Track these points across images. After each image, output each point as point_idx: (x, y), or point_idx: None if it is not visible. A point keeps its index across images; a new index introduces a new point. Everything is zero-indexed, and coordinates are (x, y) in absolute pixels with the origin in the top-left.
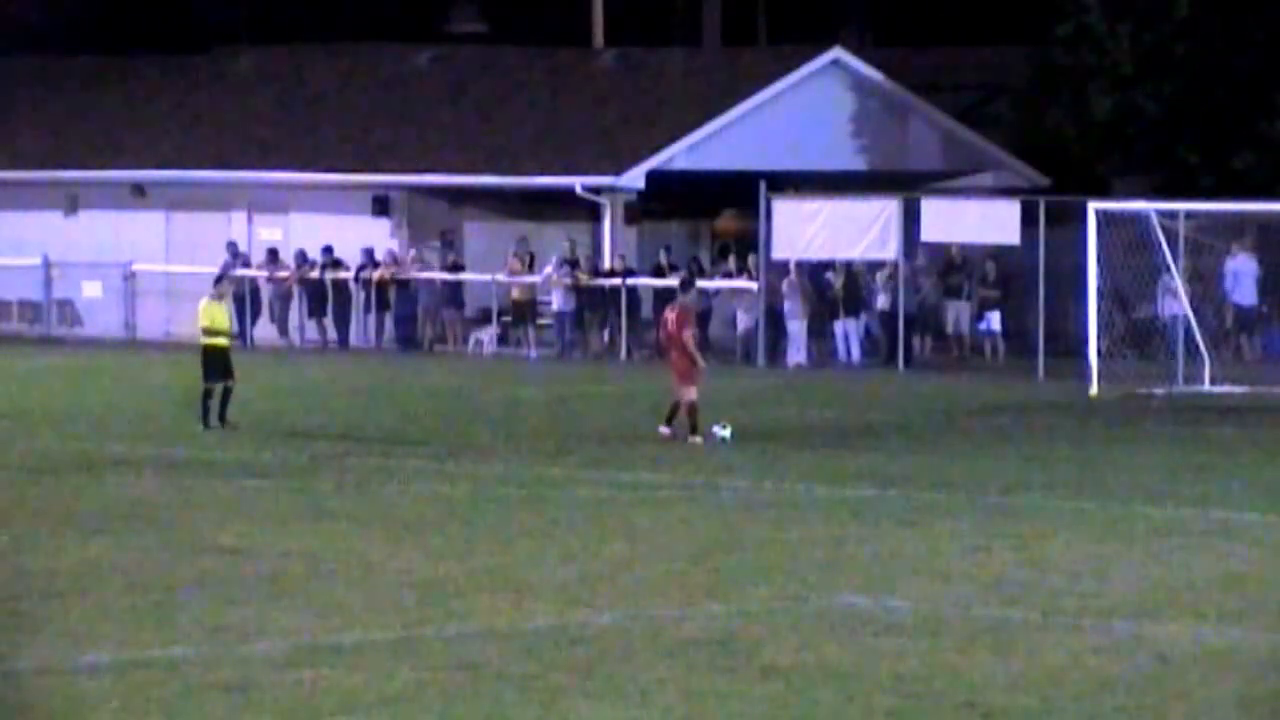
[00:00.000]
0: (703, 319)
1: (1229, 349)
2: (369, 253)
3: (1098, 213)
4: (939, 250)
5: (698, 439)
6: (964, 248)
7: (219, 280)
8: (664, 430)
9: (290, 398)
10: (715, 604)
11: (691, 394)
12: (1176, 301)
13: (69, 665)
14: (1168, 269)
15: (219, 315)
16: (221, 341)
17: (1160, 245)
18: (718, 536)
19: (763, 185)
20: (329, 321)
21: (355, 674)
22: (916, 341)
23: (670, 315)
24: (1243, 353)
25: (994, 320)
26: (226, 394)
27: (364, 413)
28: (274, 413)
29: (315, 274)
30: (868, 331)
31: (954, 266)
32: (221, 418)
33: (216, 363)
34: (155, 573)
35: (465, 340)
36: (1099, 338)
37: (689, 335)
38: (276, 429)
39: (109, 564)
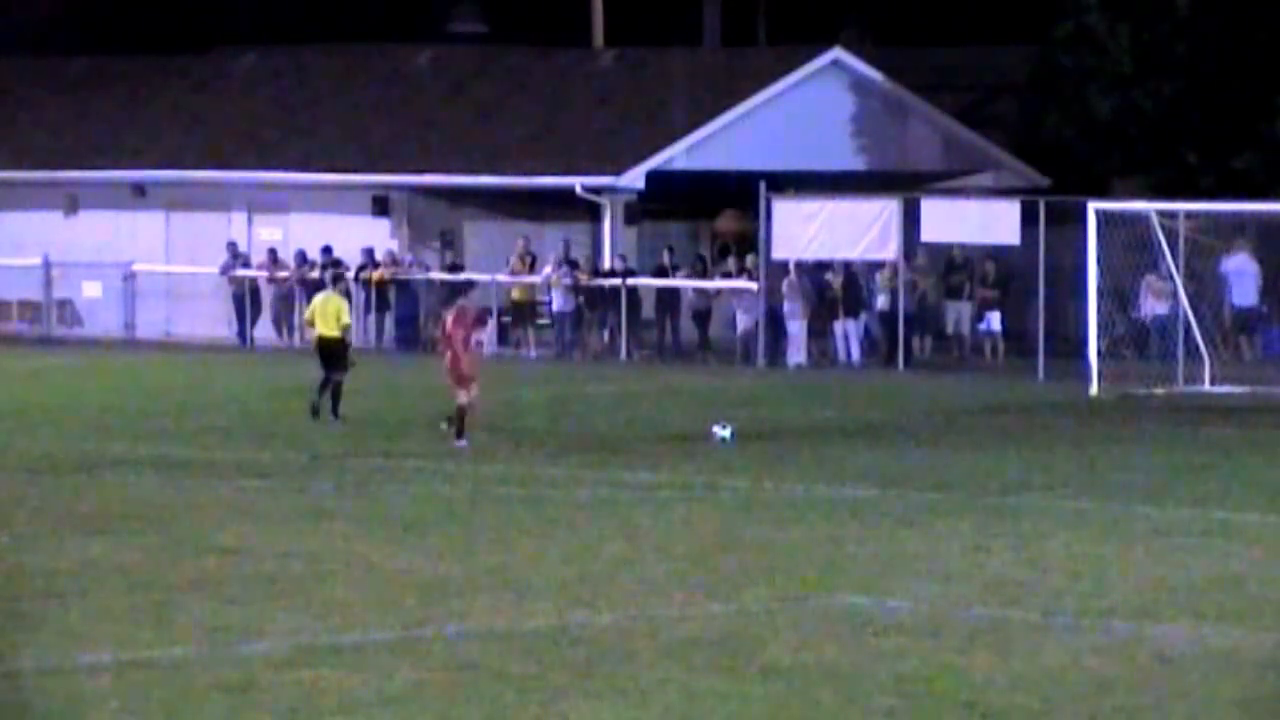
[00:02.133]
0: (702, 319)
1: (1229, 349)
2: (369, 253)
3: (1097, 213)
4: (940, 250)
5: (463, 443)
6: (964, 248)
7: (338, 277)
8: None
9: (290, 398)
10: (715, 604)
11: (464, 397)
12: (1161, 302)
13: (69, 665)
14: (1153, 269)
15: (331, 308)
16: (330, 333)
17: (1158, 245)
18: (718, 536)
19: (763, 185)
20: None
21: (355, 674)
22: (916, 342)
23: (448, 317)
24: (1242, 353)
25: (994, 320)
26: (337, 388)
27: (364, 413)
28: (274, 413)
29: (315, 274)
30: (867, 332)
31: (954, 266)
32: (334, 411)
33: (329, 355)
34: (155, 573)
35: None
36: (1099, 338)
37: (462, 336)
38: (277, 429)
39: (109, 564)
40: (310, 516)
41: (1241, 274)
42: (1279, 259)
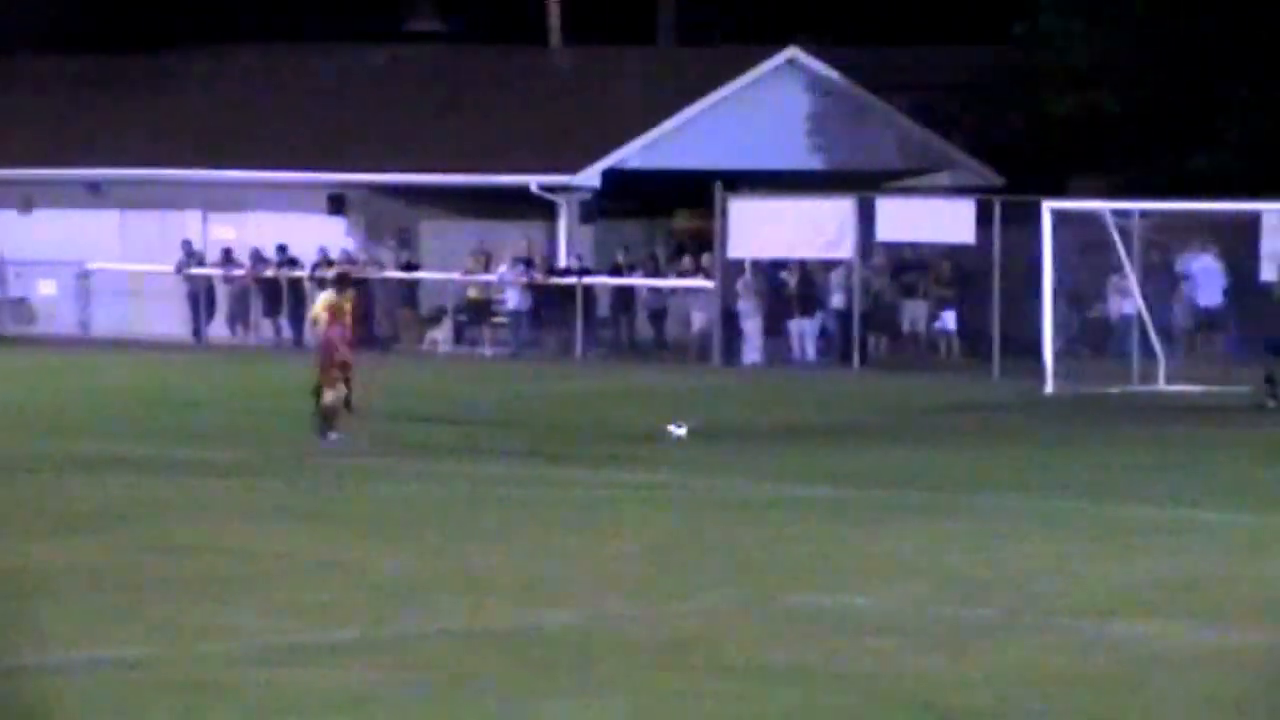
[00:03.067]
0: (658, 318)
1: (1188, 349)
2: (323, 251)
3: (1053, 212)
4: (897, 249)
5: (333, 437)
6: (917, 247)
7: (343, 276)
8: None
9: (247, 397)
10: (675, 603)
11: (329, 396)
12: (1128, 301)
13: (32, 665)
14: (1118, 268)
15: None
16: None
17: (1115, 245)
18: (677, 536)
19: (718, 184)
20: (284, 320)
21: (316, 673)
22: (872, 340)
23: (325, 312)
24: (1206, 353)
25: (949, 319)
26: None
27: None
28: (232, 412)
29: (270, 273)
30: (823, 331)
31: (907, 265)
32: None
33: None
34: (117, 572)
35: (420, 339)
36: (1054, 337)
37: (334, 333)
38: (235, 428)
39: (71, 563)
40: (271, 515)
41: (1208, 274)
42: (1237, 259)
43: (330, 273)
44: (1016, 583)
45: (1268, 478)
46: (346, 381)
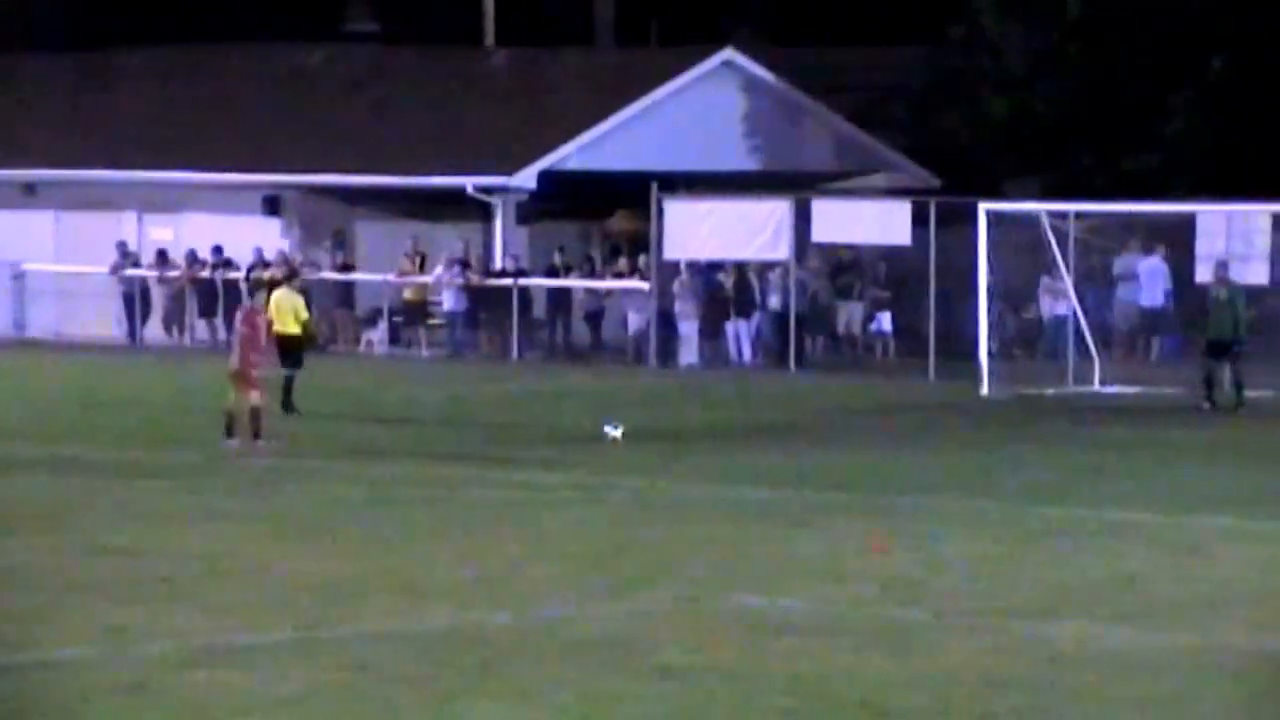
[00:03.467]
0: (595, 319)
1: (1127, 350)
2: (259, 252)
3: (988, 213)
4: (834, 250)
5: (261, 443)
6: (853, 248)
7: (292, 274)
8: (231, 443)
9: (183, 398)
10: (611, 604)
11: (256, 398)
12: (1058, 302)
13: None
14: (1048, 270)
15: (287, 305)
16: (289, 330)
17: (1050, 246)
18: (614, 537)
19: (654, 186)
20: (220, 322)
21: (250, 675)
22: (809, 342)
23: (238, 316)
24: (1150, 354)
25: (885, 321)
26: (289, 382)
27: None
28: (167, 413)
29: (206, 274)
30: (759, 332)
31: (843, 267)
32: (284, 404)
33: (286, 350)
34: (49, 573)
35: (357, 340)
36: (990, 338)
37: (248, 337)
38: (170, 430)
39: (7, 566)
40: (205, 517)
41: (1153, 275)
42: (1174, 260)
43: (267, 274)
44: (953, 584)
45: (1200, 479)
46: (249, 386)
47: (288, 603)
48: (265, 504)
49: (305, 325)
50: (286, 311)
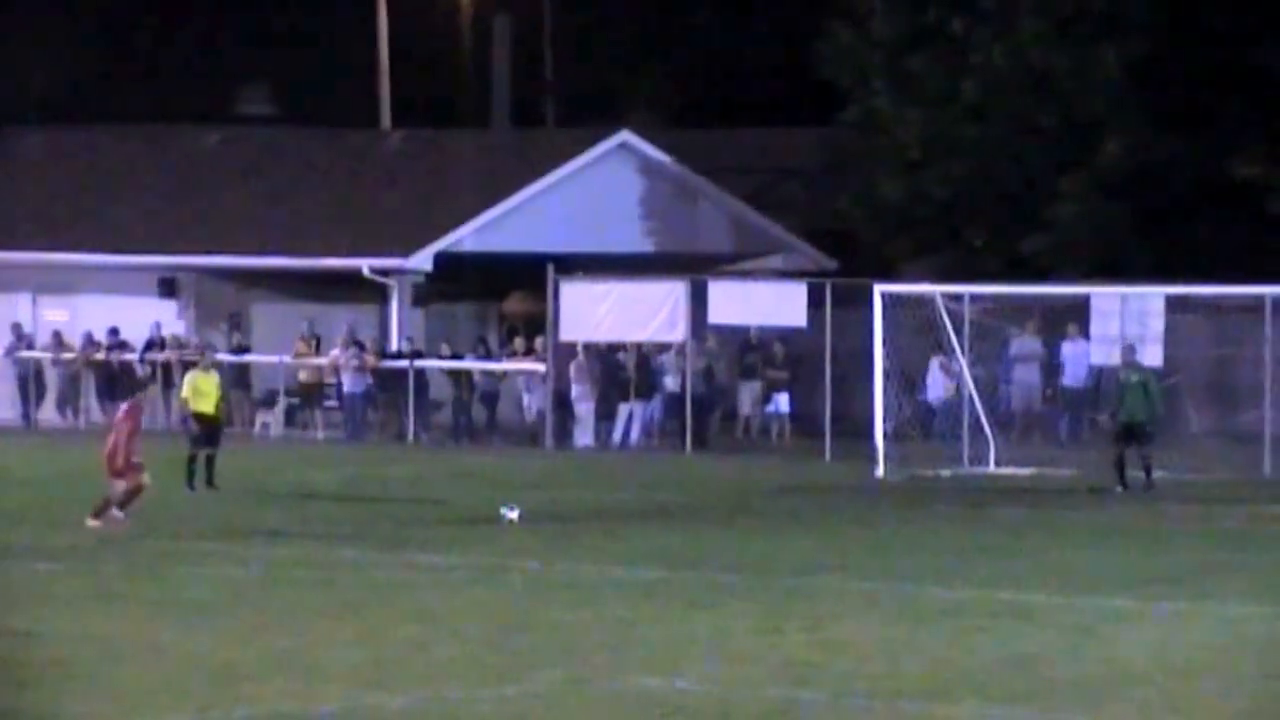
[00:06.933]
0: (490, 400)
1: (1022, 431)
2: (157, 326)
3: (884, 295)
4: (731, 332)
5: (119, 514)
6: (758, 329)
7: (203, 353)
8: (92, 523)
9: (78, 481)
10: (508, 686)
11: (120, 485)
12: (952, 383)
13: None
14: (937, 350)
15: (205, 386)
16: (208, 410)
17: (945, 327)
18: (510, 618)
19: (550, 267)
20: (117, 403)
21: None
22: (706, 422)
23: (121, 409)
24: (1038, 435)
25: (781, 402)
26: (210, 460)
27: (153, 494)
28: (62, 496)
29: (101, 355)
30: (654, 414)
31: (750, 346)
32: (209, 481)
33: (203, 430)
34: None
35: (253, 422)
36: (885, 419)
37: (129, 430)
38: (65, 512)
39: None
40: (101, 599)
41: (1077, 356)
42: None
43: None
44: (848, 665)
45: (1095, 560)
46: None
47: (184, 686)
48: (160, 586)
49: (217, 405)
50: (205, 393)
